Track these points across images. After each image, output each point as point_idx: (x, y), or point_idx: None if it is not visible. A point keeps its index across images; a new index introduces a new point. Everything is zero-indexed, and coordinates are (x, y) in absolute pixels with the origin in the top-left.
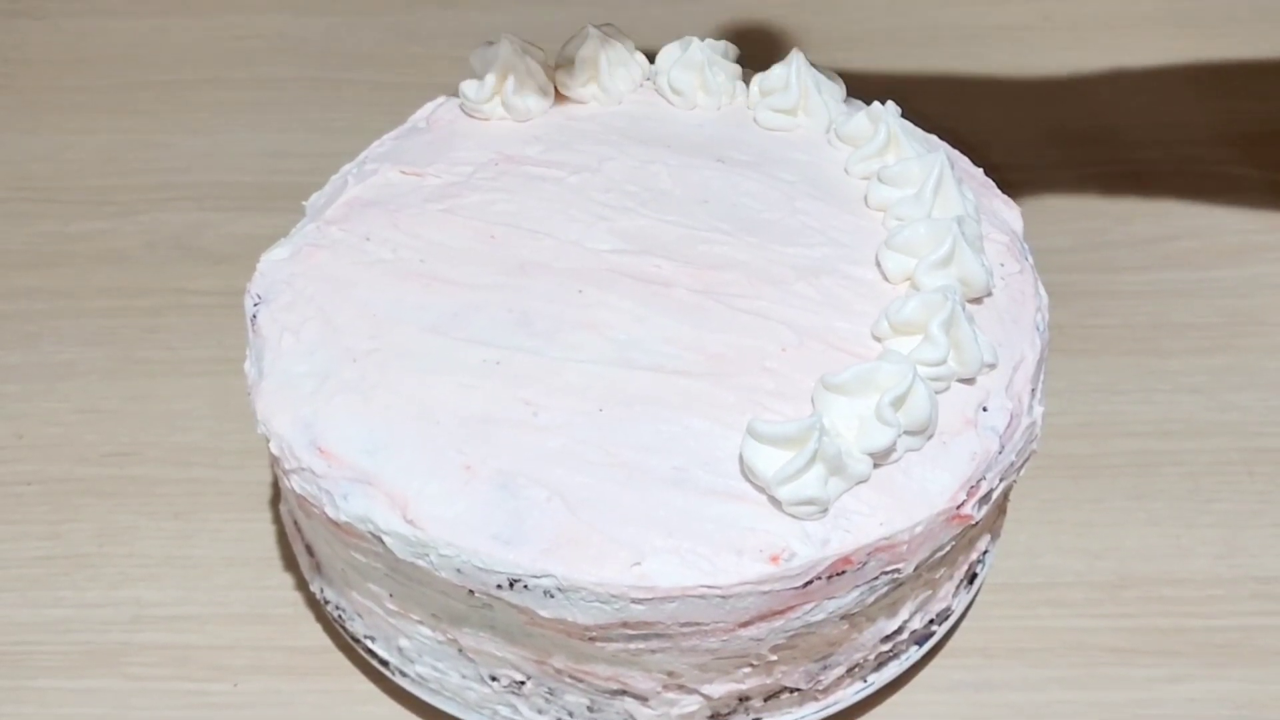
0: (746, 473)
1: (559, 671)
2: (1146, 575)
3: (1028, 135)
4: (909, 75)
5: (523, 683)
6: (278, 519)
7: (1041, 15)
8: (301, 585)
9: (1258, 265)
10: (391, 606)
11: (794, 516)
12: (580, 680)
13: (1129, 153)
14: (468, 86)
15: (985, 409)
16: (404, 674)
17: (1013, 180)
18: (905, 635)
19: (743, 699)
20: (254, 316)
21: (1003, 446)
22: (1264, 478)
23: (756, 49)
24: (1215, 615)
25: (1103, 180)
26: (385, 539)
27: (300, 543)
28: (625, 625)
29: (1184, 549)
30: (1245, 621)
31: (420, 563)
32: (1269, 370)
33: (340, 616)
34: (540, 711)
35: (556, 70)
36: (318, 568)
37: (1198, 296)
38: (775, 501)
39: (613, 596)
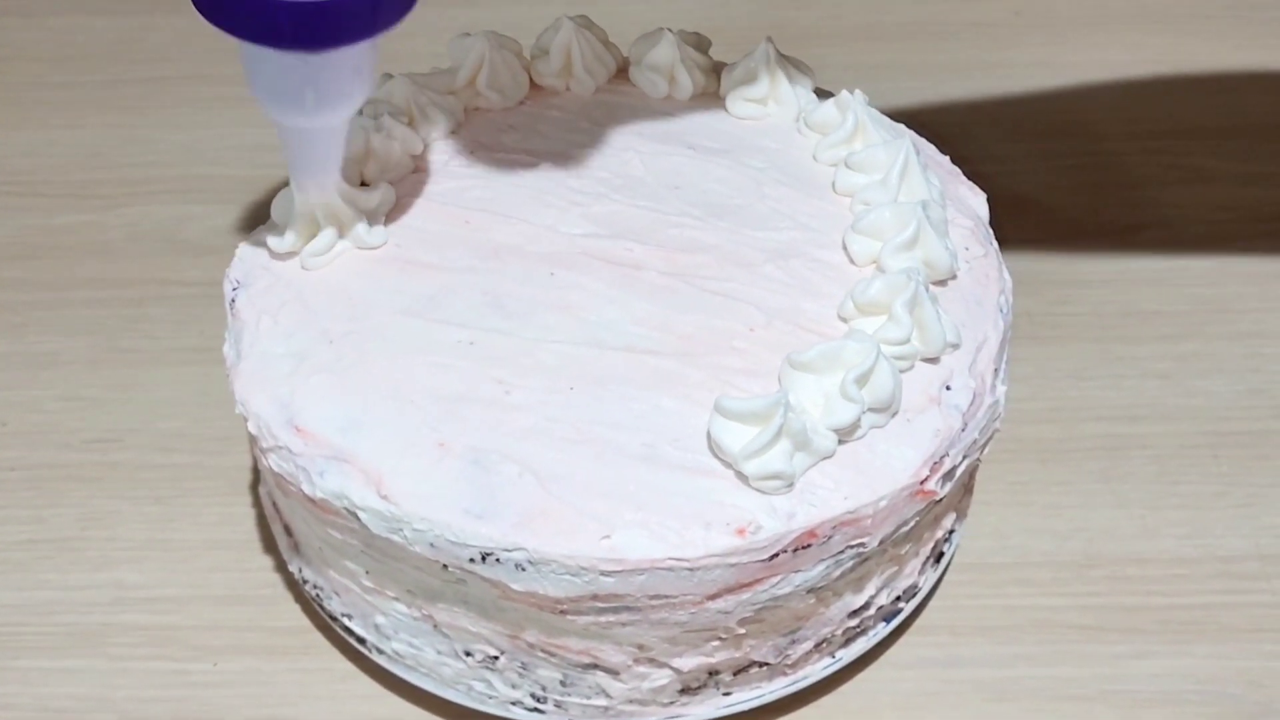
0: (714, 448)
1: (532, 646)
2: (1113, 555)
3: (999, 128)
4: (882, 70)
5: (496, 658)
6: (257, 503)
7: (1012, 12)
8: (280, 567)
9: (1224, 255)
10: (368, 584)
11: (760, 491)
12: (553, 655)
13: (1098, 145)
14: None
15: (949, 387)
16: (381, 651)
17: (985, 172)
18: (872, 611)
19: (712, 673)
20: (233, 300)
21: (965, 424)
22: (1228, 461)
23: (729, 41)
24: (1180, 594)
25: (1073, 172)
26: (360, 515)
27: (279, 524)
28: (595, 598)
29: (1150, 529)
30: (1209, 599)
31: (395, 538)
32: (1234, 357)
33: (318, 595)
34: (514, 686)
35: (532, 61)
36: (296, 548)
37: (1165, 285)
38: (742, 476)
39: (583, 569)
